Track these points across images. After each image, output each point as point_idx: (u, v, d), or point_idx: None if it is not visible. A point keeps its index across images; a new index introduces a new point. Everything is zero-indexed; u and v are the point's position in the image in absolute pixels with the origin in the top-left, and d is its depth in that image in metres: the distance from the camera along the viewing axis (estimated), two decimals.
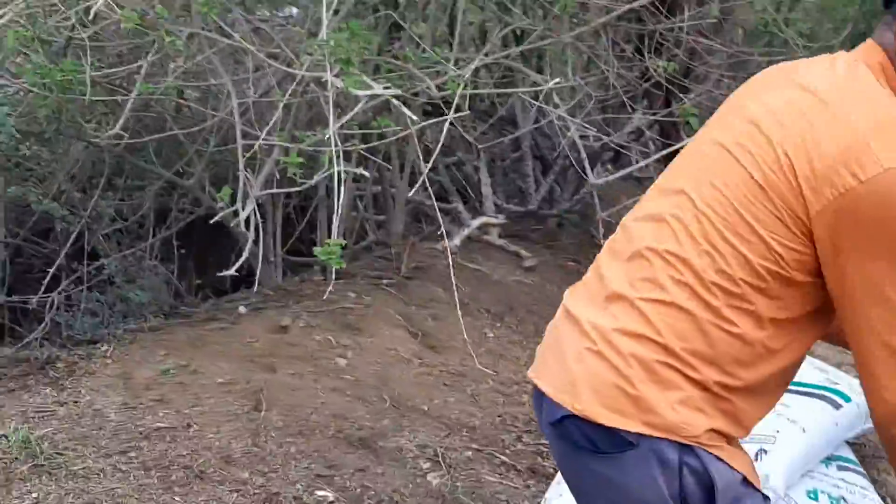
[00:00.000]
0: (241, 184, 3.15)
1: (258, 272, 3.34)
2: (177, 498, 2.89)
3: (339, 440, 3.27)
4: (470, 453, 3.35)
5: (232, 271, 2.98)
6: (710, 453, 1.73)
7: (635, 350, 1.74)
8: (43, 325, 3.71)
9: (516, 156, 5.94)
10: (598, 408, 1.75)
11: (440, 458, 3.26)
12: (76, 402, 3.31)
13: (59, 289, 3.79)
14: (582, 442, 1.80)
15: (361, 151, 3.31)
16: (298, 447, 3.18)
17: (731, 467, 1.75)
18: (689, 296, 1.72)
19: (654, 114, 4.73)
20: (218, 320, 3.99)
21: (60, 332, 3.95)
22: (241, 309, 4.08)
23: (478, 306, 4.57)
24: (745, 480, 1.77)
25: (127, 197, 4.01)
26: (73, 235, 3.70)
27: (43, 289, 3.73)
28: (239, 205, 3.10)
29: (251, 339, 3.78)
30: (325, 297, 4.16)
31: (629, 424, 1.73)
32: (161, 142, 4.01)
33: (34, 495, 2.82)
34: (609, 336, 1.76)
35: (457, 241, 5.04)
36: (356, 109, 2.82)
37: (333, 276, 3.44)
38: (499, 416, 3.66)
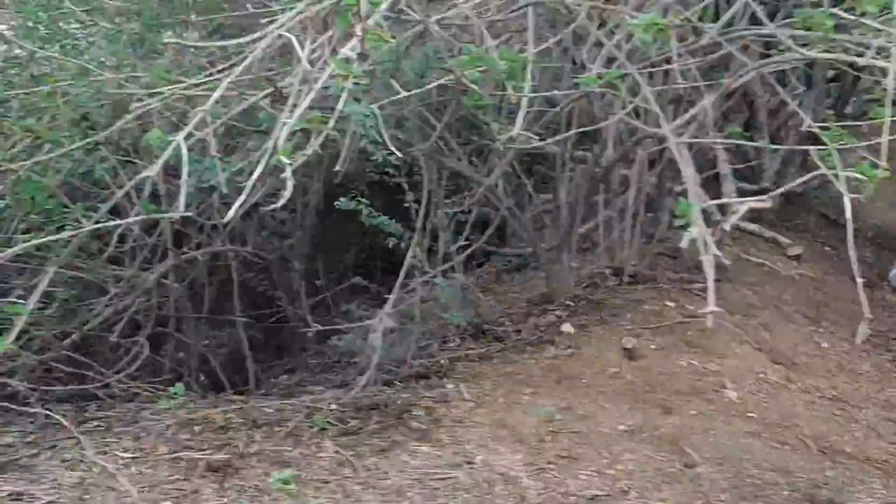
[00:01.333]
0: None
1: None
2: None
3: (800, 502, 2.71)
4: None
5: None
6: None
7: None
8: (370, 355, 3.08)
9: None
10: None
11: None
12: (469, 462, 2.72)
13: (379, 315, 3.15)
14: None
15: None
16: None
17: None
18: None
19: None
20: (541, 343, 3.40)
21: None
22: (566, 327, 3.49)
23: (787, 308, 4.01)
24: None
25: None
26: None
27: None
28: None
29: (613, 368, 3.20)
30: (649, 308, 3.64)
31: None
32: None
33: None
34: None
35: (727, 227, 4.45)
36: None
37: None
38: None
